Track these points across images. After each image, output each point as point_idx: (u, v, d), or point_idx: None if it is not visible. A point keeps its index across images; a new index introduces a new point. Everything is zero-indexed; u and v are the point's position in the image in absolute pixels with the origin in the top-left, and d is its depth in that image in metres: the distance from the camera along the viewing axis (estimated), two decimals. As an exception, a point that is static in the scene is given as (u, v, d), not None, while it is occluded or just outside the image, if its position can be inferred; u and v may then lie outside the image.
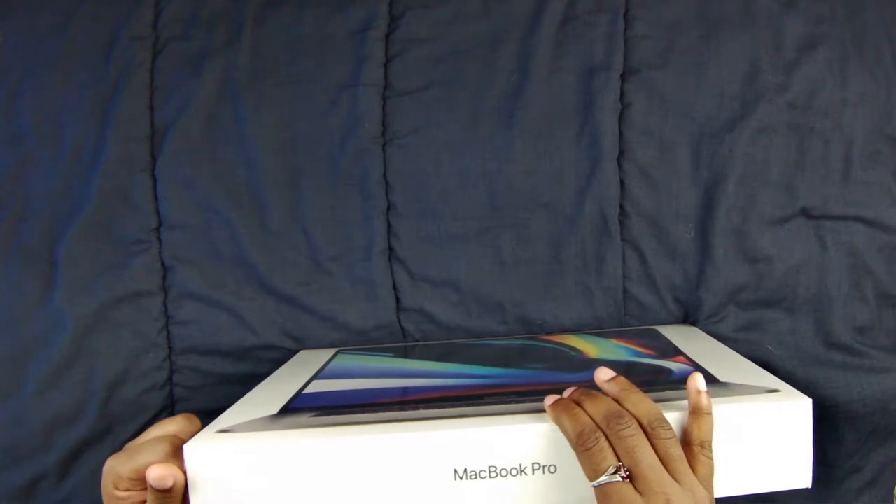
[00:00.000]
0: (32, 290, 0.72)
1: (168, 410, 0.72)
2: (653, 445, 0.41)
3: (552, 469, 0.45)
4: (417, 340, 0.71)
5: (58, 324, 0.71)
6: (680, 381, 0.52)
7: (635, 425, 0.42)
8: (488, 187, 0.69)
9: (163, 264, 0.72)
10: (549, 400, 0.46)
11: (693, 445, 0.43)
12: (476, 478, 0.45)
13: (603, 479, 0.40)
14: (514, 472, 0.45)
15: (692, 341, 0.63)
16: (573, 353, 0.62)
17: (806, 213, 0.67)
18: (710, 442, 0.43)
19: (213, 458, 0.45)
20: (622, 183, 0.68)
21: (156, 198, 0.72)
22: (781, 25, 0.67)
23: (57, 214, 0.72)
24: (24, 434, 0.71)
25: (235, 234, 0.71)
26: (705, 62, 0.67)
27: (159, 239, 0.72)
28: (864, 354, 0.66)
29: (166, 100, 0.72)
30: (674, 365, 0.56)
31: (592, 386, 0.48)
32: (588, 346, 0.63)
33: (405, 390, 0.55)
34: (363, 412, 0.49)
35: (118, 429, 0.72)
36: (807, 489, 0.66)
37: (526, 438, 0.45)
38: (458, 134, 0.69)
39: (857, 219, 0.67)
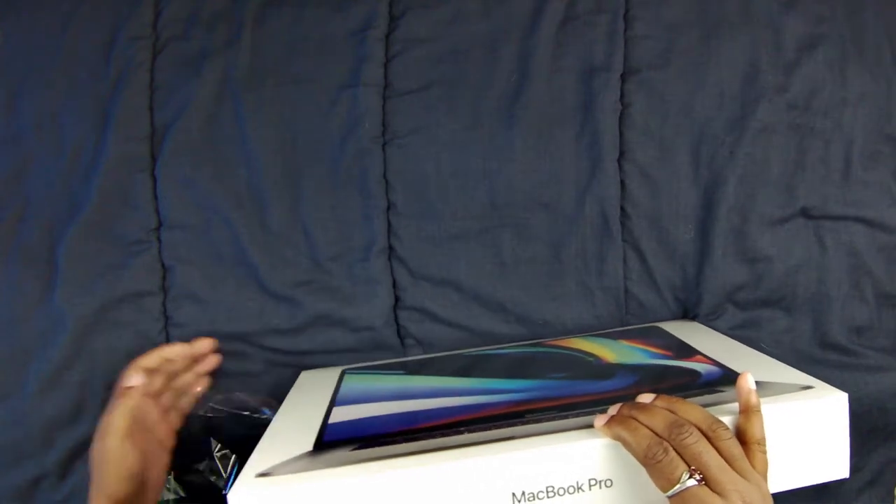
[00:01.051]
0: (32, 290, 0.72)
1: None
2: (715, 448, 0.42)
3: (608, 483, 0.45)
4: (417, 340, 0.71)
5: (58, 324, 0.71)
6: (710, 384, 0.52)
7: (696, 431, 0.42)
8: (489, 187, 0.69)
9: (163, 264, 0.72)
10: (601, 420, 0.46)
11: (750, 443, 0.44)
12: (534, 499, 0.45)
13: (678, 486, 0.41)
14: (571, 489, 0.45)
15: (700, 338, 0.63)
16: (591, 359, 0.61)
17: (806, 213, 0.67)
18: (764, 438, 0.44)
19: None
20: (622, 183, 0.68)
21: (156, 198, 0.72)
22: (781, 25, 0.67)
23: (57, 214, 0.72)
24: (24, 434, 0.72)
25: (235, 234, 0.71)
26: (705, 62, 0.67)
27: (159, 239, 0.72)
28: (859, 354, 0.66)
29: (166, 100, 0.72)
30: (698, 366, 0.56)
31: (626, 395, 0.48)
32: (602, 350, 0.63)
33: (439, 412, 0.54)
34: (405, 440, 0.48)
35: (118, 429, 0.72)
36: (806, 490, 0.67)
37: (582, 455, 0.45)
38: (458, 134, 0.69)
39: (857, 219, 0.67)
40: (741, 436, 0.45)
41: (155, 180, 0.72)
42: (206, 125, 0.72)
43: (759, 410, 0.45)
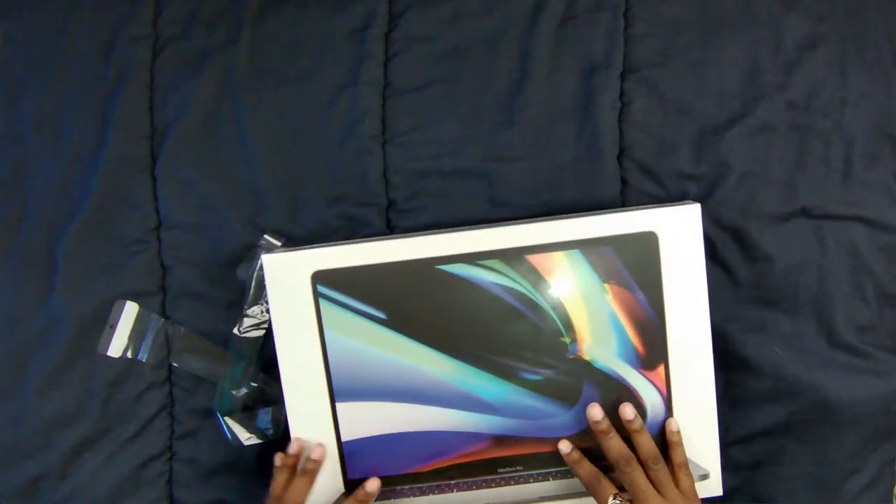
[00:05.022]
0: (32, 290, 0.72)
1: (167, 409, 0.73)
2: (648, 475, 0.58)
3: None
4: None
5: (57, 323, 0.71)
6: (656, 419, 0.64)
7: (635, 462, 0.59)
8: (488, 185, 0.68)
9: (162, 264, 0.72)
10: (566, 447, 0.63)
11: (675, 468, 0.60)
12: None
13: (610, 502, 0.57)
14: None
15: (679, 291, 0.63)
16: (566, 341, 0.63)
17: (806, 212, 0.67)
18: (686, 462, 0.60)
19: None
20: (623, 181, 0.68)
21: (156, 198, 0.72)
22: (781, 24, 0.67)
23: (57, 214, 0.73)
24: (24, 434, 0.72)
25: (235, 234, 0.71)
26: (705, 61, 0.67)
27: (159, 239, 0.72)
28: (868, 356, 0.66)
29: (166, 100, 0.72)
30: (651, 393, 0.64)
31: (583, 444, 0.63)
32: (581, 315, 0.63)
33: (437, 444, 0.65)
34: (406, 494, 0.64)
35: (118, 429, 0.72)
36: (803, 490, 0.67)
37: None
38: (458, 132, 0.69)
39: (858, 219, 0.66)
40: (668, 463, 0.60)
41: (155, 180, 0.72)
42: (206, 125, 0.72)
43: (680, 444, 0.61)
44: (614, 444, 0.60)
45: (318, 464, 0.63)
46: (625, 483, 0.58)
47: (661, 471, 0.58)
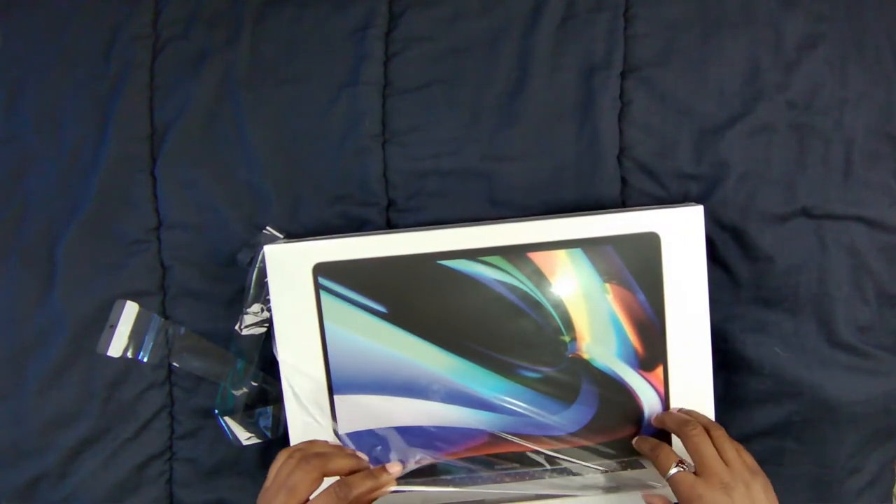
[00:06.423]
0: (32, 290, 0.72)
1: (167, 410, 0.73)
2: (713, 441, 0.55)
3: None
4: None
5: (57, 323, 0.71)
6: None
7: (700, 427, 0.57)
8: (488, 185, 0.68)
9: (162, 264, 0.72)
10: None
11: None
12: None
13: (672, 471, 0.55)
14: None
15: (680, 298, 0.63)
16: (566, 339, 0.63)
17: (806, 212, 0.67)
18: (730, 439, 0.57)
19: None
20: (623, 180, 0.68)
21: (155, 198, 0.72)
22: (782, 24, 0.67)
23: (56, 214, 0.73)
24: (24, 434, 0.72)
25: (235, 234, 0.71)
26: (705, 60, 0.67)
27: (159, 239, 0.72)
28: (869, 355, 0.66)
29: (166, 100, 0.72)
30: (649, 395, 0.63)
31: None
32: (582, 317, 0.63)
33: (429, 439, 0.64)
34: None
35: (118, 428, 0.72)
36: (803, 490, 0.67)
37: None
38: (458, 132, 0.69)
39: (858, 218, 0.66)
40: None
41: (155, 180, 0.72)
42: (206, 125, 0.72)
43: (702, 418, 0.60)
44: (673, 417, 0.61)
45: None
46: (688, 449, 0.56)
47: (723, 436, 0.56)
